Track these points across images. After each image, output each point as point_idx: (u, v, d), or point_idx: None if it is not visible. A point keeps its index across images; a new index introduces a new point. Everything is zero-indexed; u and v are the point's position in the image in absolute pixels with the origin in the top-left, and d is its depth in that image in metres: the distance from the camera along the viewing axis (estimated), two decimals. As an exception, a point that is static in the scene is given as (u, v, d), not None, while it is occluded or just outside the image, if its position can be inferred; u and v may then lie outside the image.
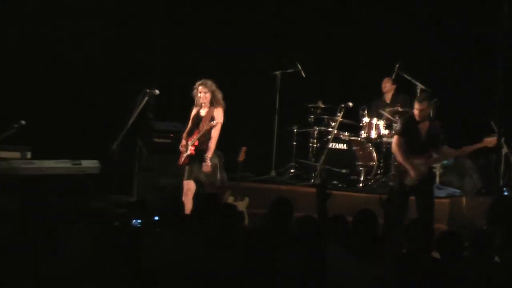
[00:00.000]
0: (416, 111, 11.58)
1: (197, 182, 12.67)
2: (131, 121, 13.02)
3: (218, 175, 13.00)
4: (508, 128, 12.71)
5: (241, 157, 13.58)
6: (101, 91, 15.75)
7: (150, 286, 6.82)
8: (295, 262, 7.44)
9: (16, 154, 14.11)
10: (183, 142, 12.76)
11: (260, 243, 7.92)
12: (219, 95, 12.72)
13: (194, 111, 12.85)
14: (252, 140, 15.55)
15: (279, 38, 16.13)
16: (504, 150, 13.11)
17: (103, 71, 15.84)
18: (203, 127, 12.61)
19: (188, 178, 12.68)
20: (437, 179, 14.26)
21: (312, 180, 14.53)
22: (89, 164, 13.74)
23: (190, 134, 12.76)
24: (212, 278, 7.33)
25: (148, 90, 13.24)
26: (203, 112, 12.75)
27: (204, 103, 12.71)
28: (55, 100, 15.78)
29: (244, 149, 13.63)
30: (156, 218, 8.53)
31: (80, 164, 13.66)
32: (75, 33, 15.74)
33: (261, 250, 7.70)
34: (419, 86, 14.38)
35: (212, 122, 12.53)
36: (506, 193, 12.84)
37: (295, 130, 15.30)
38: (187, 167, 12.69)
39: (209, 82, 12.69)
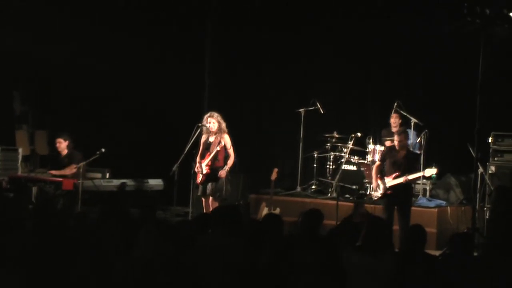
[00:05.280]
0: (396, 142, 11.75)
1: (218, 196, 12.60)
2: (187, 149, 13.04)
3: (224, 190, 12.87)
4: (482, 153, 12.70)
5: (274, 176, 13.60)
6: (163, 127, 15.87)
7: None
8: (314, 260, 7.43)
9: (98, 174, 14.25)
10: (198, 164, 12.68)
11: (291, 245, 7.88)
12: (224, 124, 12.65)
13: (203, 138, 12.76)
14: (282, 162, 15.61)
15: (303, 83, 16.14)
16: (480, 170, 13.02)
17: (163, 112, 15.99)
18: (213, 150, 12.55)
19: (203, 195, 12.62)
20: (427, 193, 14.23)
21: (329, 194, 14.53)
22: (155, 182, 13.84)
23: (202, 157, 12.70)
24: (249, 270, 7.32)
25: (200, 124, 13.27)
26: (211, 138, 12.65)
27: (212, 131, 12.67)
28: (129, 133, 15.94)
29: (276, 170, 13.65)
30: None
31: (148, 182, 13.75)
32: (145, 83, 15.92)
33: (292, 250, 7.68)
34: (413, 120, 14.30)
35: (220, 145, 12.48)
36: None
37: (315, 155, 15.27)
38: (201, 186, 12.64)
39: (216, 114, 12.67)
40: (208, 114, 12.71)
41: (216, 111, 12.86)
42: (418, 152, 13.60)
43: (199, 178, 12.67)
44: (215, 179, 12.57)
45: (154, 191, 13.76)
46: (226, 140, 12.58)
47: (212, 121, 12.60)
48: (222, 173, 12.50)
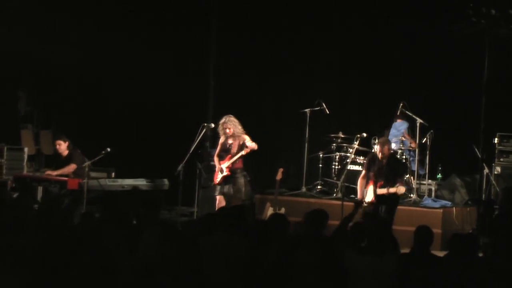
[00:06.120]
0: (379, 153, 11.90)
1: (227, 196, 12.65)
2: (192, 149, 13.04)
3: (243, 191, 12.90)
4: (488, 154, 12.71)
5: (279, 176, 13.58)
6: (170, 126, 15.87)
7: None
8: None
9: (103, 174, 14.26)
10: (218, 165, 12.74)
11: (296, 245, 7.88)
12: (239, 127, 12.70)
13: (222, 139, 12.83)
14: (288, 163, 15.59)
15: (308, 84, 16.14)
16: (486, 171, 13.01)
17: (168, 112, 15.99)
18: (235, 152, 12.60)
19: (219, 194, 12.68)
20: (432, 193, 14.21)
21: (334, 195, 14.53)
22: (160, 182, 13.83)
23: (221, 158, 12.76)
24: (254, 270, 7.33)
25: (205, 124, 13.28)
26: (230, 141, 12.72)
27: (231, 134, 12.69)
28: (134, 133, 15.95)
29: (281, 170, 13.64)
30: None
31: (153, 182, 13.75)
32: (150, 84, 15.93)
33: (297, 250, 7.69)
34: (419, 120, 14.26)
35: (246, 150, 12.51)
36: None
37: (321, 155, 15.25)
38: (218, 186, 12.69)
39: (229, 119, 12.70)
40: (222, 121, 12.75)
41: (223, 112, 12.91)
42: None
43: (217, 178, 12.71)
44: (234, 181, 12.63)
45: (159, 190, 13.75)
46: (247, 139, 12.65)
47: (228, 127, 12.66)
48: (253, 146, 12.53)
